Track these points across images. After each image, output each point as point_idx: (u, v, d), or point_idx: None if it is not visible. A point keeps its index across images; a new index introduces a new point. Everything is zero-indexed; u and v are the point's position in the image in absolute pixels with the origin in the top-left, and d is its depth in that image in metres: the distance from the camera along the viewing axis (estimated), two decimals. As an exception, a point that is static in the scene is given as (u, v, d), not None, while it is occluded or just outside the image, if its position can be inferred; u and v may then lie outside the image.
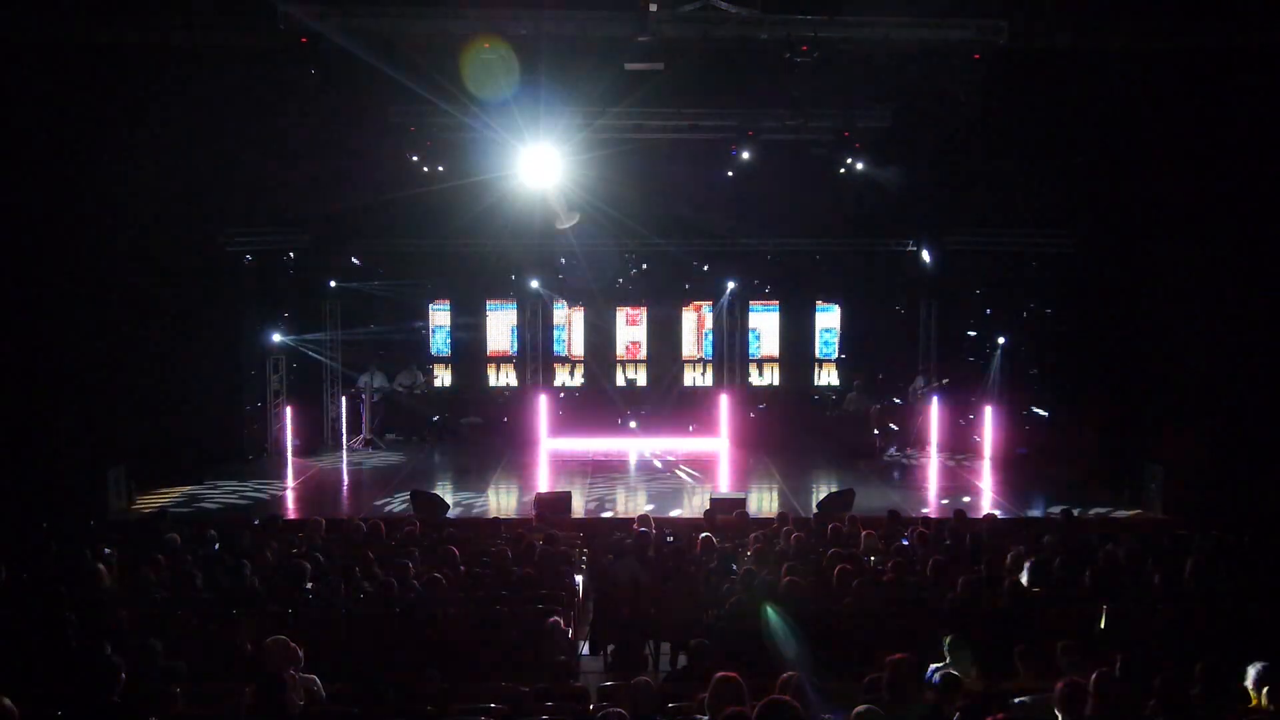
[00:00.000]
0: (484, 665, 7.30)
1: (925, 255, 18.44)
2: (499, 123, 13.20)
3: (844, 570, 8.53)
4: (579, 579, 9.90)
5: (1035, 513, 13.75)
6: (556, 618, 7.99)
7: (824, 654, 6.80)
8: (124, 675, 5.75)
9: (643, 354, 20.30)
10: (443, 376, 20.15)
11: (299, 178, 15.37)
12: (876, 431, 18.10)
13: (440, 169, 16.06)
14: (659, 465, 17.15)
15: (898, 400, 18.67)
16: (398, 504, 13.95)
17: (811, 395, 20.07)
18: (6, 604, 8.08)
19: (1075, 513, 12.02)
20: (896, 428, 18.25)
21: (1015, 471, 16.53)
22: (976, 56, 11.45)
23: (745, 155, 15.75)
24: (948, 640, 6.73)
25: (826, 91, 13.00)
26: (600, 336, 20.15)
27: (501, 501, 14.87)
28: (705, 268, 19.50)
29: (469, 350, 20.06)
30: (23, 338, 12.74)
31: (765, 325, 20.36)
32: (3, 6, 11.42)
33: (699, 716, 5.51)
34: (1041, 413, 17.16)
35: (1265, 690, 5.75)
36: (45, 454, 13.05)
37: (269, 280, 17.57)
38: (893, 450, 17.95)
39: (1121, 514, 13.42)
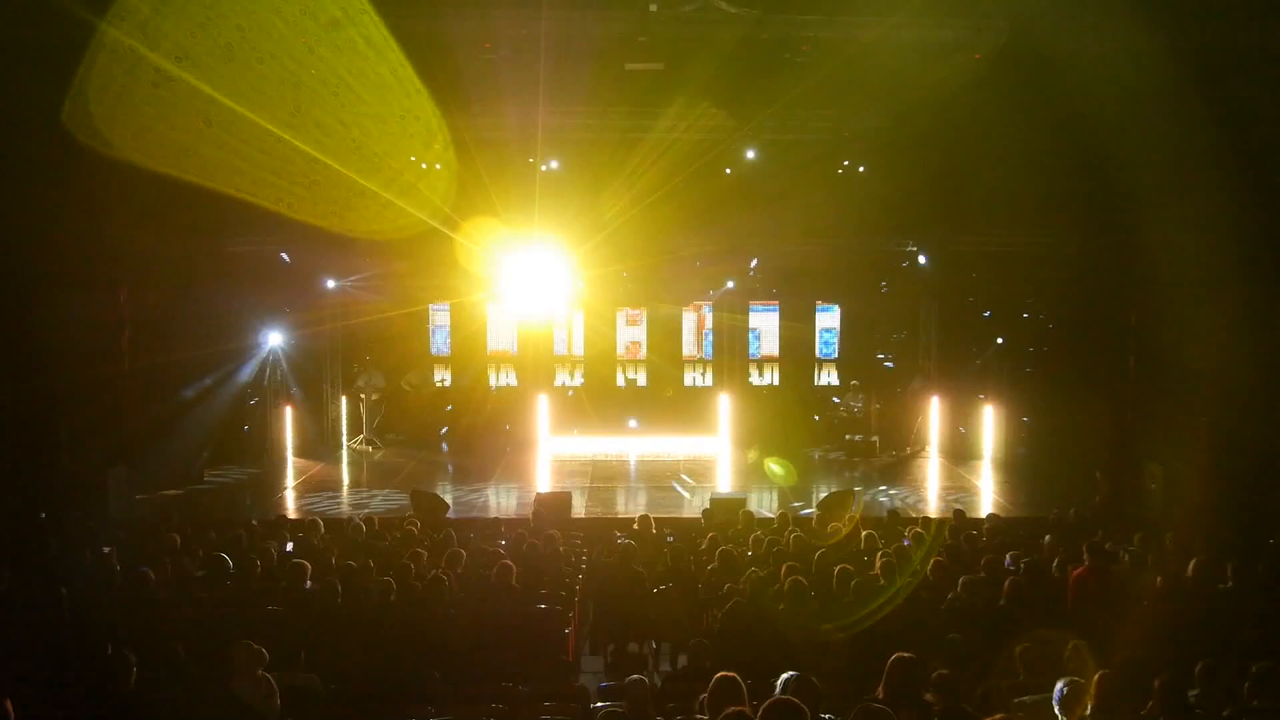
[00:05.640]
0: (484, 665, 7.30)
1: (923, 256, 18.43)
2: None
3: (844, 570, 8.54)
4: (579, 579, 9.89)
5: (1034, 513, 13.76)
6: (556, 617, 8.00)
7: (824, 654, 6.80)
8: (135, 668, 5.77)
9: (643, 354, 20.30)
10: (443, 376, 20.15)
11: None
12: (875, 436, 18.12)
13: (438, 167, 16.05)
14: (663, 468, 17.15)
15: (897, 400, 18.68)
16: (397, 504, 13.95)
17: (811, 395, 20.06)
18: (7, 605, 8.07)
19: (1074, 512, 12.03)
20: (895, 428, 18.26)
21: (1015, 471, 16.54)
22: (977, 56, 11.45)
23: (747, 155, 15.77)
24: (947, 640, 6.73)
25: (826, 91, 12.99)
26: (600, 337, 20.14)
27: (501, 501, 14.87)
28: (704, 267, 19.48)
29: (469, 350, 20.06)
30: (23, 337, 12.73)
31: (765, 325, 20.37)
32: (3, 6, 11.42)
33: (699, 716, 5.51)
34: (1041, 413, 17.15)
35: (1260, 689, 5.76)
36: (46, 454, 13.04)
37: (269, 280, 17.56)
38: (892, 450, 17.95)
39: (1121, 514, 13.43)
